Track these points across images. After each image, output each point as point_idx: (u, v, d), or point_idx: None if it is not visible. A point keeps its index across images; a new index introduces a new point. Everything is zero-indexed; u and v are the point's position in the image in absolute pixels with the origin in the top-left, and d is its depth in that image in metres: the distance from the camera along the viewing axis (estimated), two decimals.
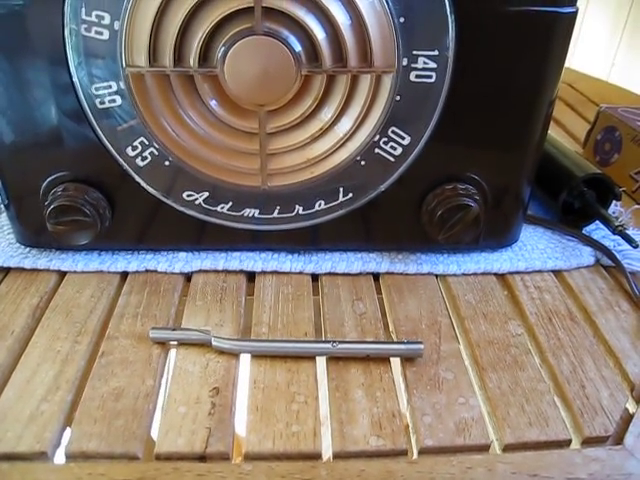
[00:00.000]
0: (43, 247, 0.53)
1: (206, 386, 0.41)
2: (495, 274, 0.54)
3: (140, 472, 0.36)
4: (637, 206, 0.63)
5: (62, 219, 0.47)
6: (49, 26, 0.42)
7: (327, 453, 0.38)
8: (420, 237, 0.52)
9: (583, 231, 0.59)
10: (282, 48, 0.42)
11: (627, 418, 0.40)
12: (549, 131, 0.51)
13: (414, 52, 0.43)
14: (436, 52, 0.43)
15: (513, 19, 0.43)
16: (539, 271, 0.54)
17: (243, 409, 0.40)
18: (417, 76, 0.44)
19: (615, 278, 0.54)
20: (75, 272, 0.52)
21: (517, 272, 0.54)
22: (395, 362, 0.44)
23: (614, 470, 0.37)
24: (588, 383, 0.43)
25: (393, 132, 0.46)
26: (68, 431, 0.38)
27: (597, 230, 0.59)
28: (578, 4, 0.44)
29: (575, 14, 0.44)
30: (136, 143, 0.46)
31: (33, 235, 0.52)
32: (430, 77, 0.44)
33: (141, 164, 0.47)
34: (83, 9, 0.41)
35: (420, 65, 0.44)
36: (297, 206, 0.50)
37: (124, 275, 0.52)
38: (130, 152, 0.47)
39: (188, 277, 0.52)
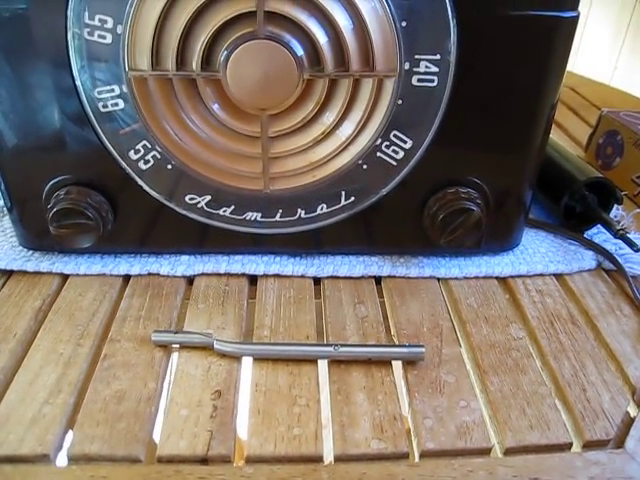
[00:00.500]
0: (46, 250, 0.53)
1: (208, 389, 0.41)
2: (497, 278, 0.54)
3: (142, 475, 0.36)
4: (639, 210, 0.63)
5: (65, 222, 0.47)
6: (52, 30, 0.42)
7: (328, 456, 0.38)
8: (422, 240, 0.52)
9: (585, 235, 0.59)
10: (284, 52, 0.42)
11: (628, 422, 0.40)
12: (551, 135, 0.51)
13: (416, 56, 0.43)
14: (438, 56, 0.43)
15: (515, 23, 0.43)
16: (541, 275, 0.54)
17: (245, 412, 0.40)
18: (419, 80, 0.44)
19: (617, 282, 0.54)
20: (78, 275, 0.52)
21: (519, 276, 0.54)
22: (397, 365, 0.44)
23: (615, 474, 0.37)
24: (589, 387, 0.43)
25: (395, 136, 0.47)
26: (70, 434, 0.38)
27: (599, 234, 0.59)
28: (580, 8, 0.44)
29: (577, 18, 0.44)
30: (139, 147, 0.47)
31: (36, 238, 0.52)
32: (432, 81, 0.44)
33: (144, 167, 0.48)
34: (86, 13, 0.41)
35: (422, 69, 0.44)
36: (299, 210, 0.50)
37: (126, 278, 0.52)
38: (133, 155, 0.47)
39: (190, 280, 0.52)
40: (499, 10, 0.43)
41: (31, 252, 0.53)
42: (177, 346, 0.45)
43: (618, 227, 0.55)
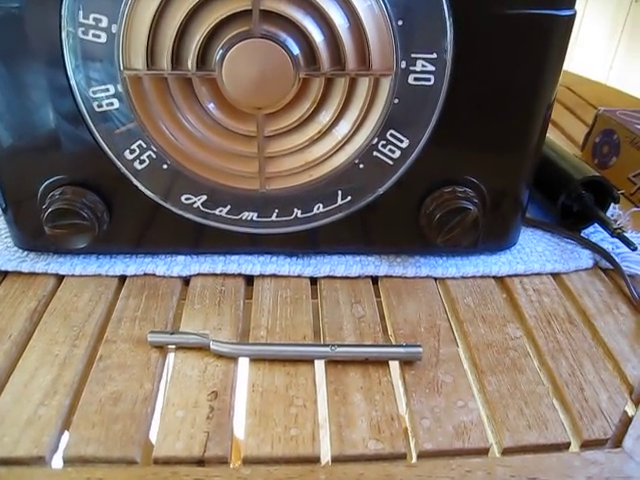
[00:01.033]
0: (41, 251, 0.53)
1: (204, 390, 0.41)
2: (494, 277, 0.54)
3: (138, 477, 0.36)
4: (635, 209, 0.63)
5: (60, 222, 0.47)
6: (46, 29, 0.42)
7: (326, 457, 0.37)
8: (419, 240, 0.52)
9: (582, 234, 0.59)
10: (280, 51, 0.42)
11: (626, 421, 0.40)
12: (548, 134, 0.51)
13: (412, 55, 0.43)
14: (434, 55, 0.43)
15: (511, 22, 0.43)
16: (538, 274, 0.54)
17: (242, 413, 0.40)
18: (415, 79, 0.44)
19: (614, 281, 0.54)
20: (73, 276, 0.52)
21: (516, 275, 0.54)
22: (394, 365, 0.44)
23: (613, 473, 0.36)
24: (587, 386, 0.43)
25: (391, 135, 0.46)
26: (66, 435, 0.38)
27: (596, 233, 0.59)
28: (577, 8, 0.44)
29: (573, 16, 0.44)
30: (134, 146, 0.46)
31: (31, 239, 0.52)
32: (428, 80, 0.44)
33: (139, 167, 0.47)
34: (80, 12, 0.41)
35: (418, 68, 0.44)
36: (296, 209, 0.50)
37: (122, 279, 0.52)
38: (128, 155, 0.47)
39: (186, 281, 0.52)
40: (495, 9, 0.42)
41: (26, 253, 0.53)
42: (173, 347, 0.45)
43: (615, 226, 0.55)
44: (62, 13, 0.41)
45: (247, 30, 0.41)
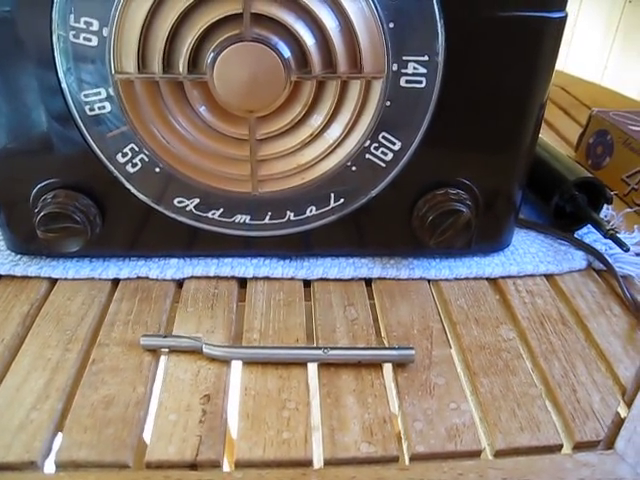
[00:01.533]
0: (34, 254, 0.53)
1: (197, 393, 0.41)
2: (487, 278, 0.54)
3: None
4: (628, 210, 0.64)
5: (52, 226, 0.47)
6: (37, 32, 0.41)
7: (318, 460, 0.37)
8: (412, 242, 0.52)
9: (575, 235, 0.59)
10: (271, 54, 0.41)
11: (618, 422, 0.40)
12: (541, 135, 0.51)
13: (404, 57, 0.43)
14: (426, 57, 0.43)
15: (502, 24, 0.43)
16: (531, 275, 0.54)
17: (234, 416, 0.40)
18: (407, 81, 0.44)
19: (607, 282, 0.54)
20: (66, 279, 0.51)
21: (509, 276, 0.54)
22: (387, 368, 0.44)
23: (605, 475, 0.37)
24: (579, 387, 0.43)
25: (383, 137, 0.46)
26: (58, 440, 0.38)
27: (589, 234, 0.59)
28: (570, 8, 0.44)
29: (565, 18, 0.44)
30: (126, 150, 0.46)
31: (23, 242, 0.52)
32: (420, 82, 0.44)
33: (131, 171, 0.47)
34: (71, 15, 0.41)
35: (410, 70, 0.44)
36: (288, 212, 0.50)
37: (115, 282, 0.52)
38: (120, 159, 0.47)
39: (179, 284, 0.52)
40: (487, 11, 0.42)
41: (19, 256, 0.53)
42: (166, 350, 0.45)
43: (608, 227, 0.55)
44: (53, 16, 0.41)
45: (238, 33, 0.41)
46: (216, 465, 0.37)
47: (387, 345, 0.46)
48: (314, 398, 0.41)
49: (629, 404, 0.42)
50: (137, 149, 0.46)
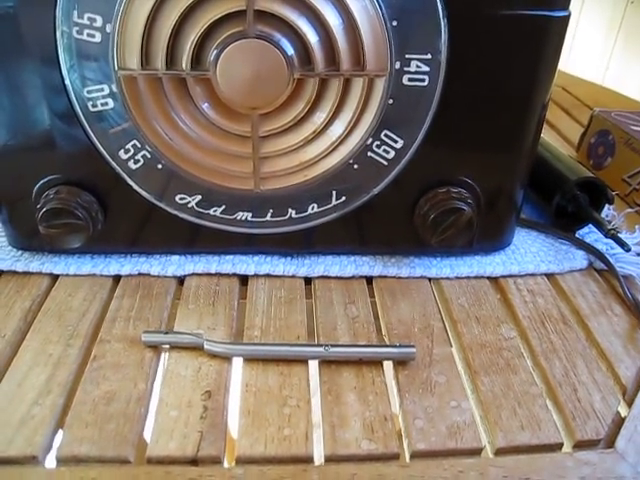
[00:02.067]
0: (35, 250, 0.53)
1: (198, 390, 0.41)
2: (488, 277, 0.54)
3: (132, 476, 0.36)
4: (630, 210, 0.64)
5: (54, 222, 0.47)
6: (40, 28, 0.42)
7: (319, 457, 0.38)
8: (413, 240, 0.52)
9: (576, 234, 0.59)
10: (274, 51, 0.42)
11: (619, 421, 0.40)
12: (543, 135, 0.51)
13: (407, 55, 0.43)
14: (429, 55, 0.43)
15: (505, 23, 0.43)
16: (532, 274, 0.54)
17: (235, 413, 0.40)
18: (410, 79, 0.44)
19: (608, 281, 0.54)
20: (67, 275, 0.52)
21: (510, 275, 0.54)
22: (387, 366, 0.44)
23: (605, 473, 0.37)
24: (580, 386, 0.43)
25: (386, 135, 0.46)
26: (59, 435, 0.38)
27: (590, 233, 0.59)
28: (572, 8, 0.44)
29: (568, 17, 0.44)
30: (129, 146, 0.46)
31: (25, 238, 0.52)
32: (423, 80, 0.44)
33: (134, 167, 0.47)
34: (75, 11, 0.41)
35: (413, 68, 0.44)
36: (290, 209, 0.50)
37: (117, 278, 0.52)
38: (123, 155, 0.47)
39: (181, 280, 0.52)
40: (490, 9, 0.42)
41: (20, 252, 0.53)
42: (167, 346, 0.45)
43: (609, 227, 0.55)
44: (56, 13, 0.41)
45: (241, 30, 0.41)
46: (217, 461, 0.37)
47: (388, 343, 0.46)
48: (315, 395, 0.41)
49: (630, 403, 0.42)
50: (140, 146, 0.46)
